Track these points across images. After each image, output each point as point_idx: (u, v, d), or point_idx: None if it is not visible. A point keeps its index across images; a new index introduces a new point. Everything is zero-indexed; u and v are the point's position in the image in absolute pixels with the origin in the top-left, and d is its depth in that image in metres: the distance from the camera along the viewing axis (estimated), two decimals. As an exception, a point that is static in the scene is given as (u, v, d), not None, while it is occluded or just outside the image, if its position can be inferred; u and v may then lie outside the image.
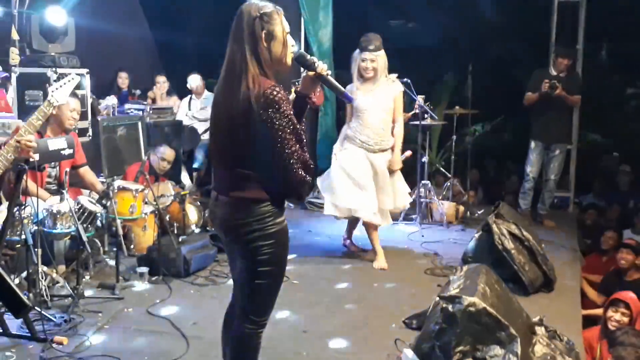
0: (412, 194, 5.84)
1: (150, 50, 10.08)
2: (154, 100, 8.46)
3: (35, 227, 4.18)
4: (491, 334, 3.34)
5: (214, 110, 2.76)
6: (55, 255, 4.64)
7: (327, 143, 7.82)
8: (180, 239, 5.29)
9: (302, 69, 2.81)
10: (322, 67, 2.74)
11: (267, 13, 2.63)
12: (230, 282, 3.00)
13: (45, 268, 4.30)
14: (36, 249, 4.08)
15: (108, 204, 4.82)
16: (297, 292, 4.75)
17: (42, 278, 4.17)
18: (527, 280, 4.76)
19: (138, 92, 8.48)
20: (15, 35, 5.94)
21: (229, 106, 2.61)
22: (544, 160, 7.03)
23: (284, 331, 4.02)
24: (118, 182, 5.15)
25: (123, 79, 8.35)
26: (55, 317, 4.01)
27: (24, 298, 3.57)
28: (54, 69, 5.69)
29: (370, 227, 5.42)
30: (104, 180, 5.48)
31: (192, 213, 6.02)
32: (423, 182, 6.99)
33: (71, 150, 4.44)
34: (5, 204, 4.14)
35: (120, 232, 4.92)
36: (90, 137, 6.11)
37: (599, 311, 5.21)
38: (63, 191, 4.43)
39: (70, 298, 4.29)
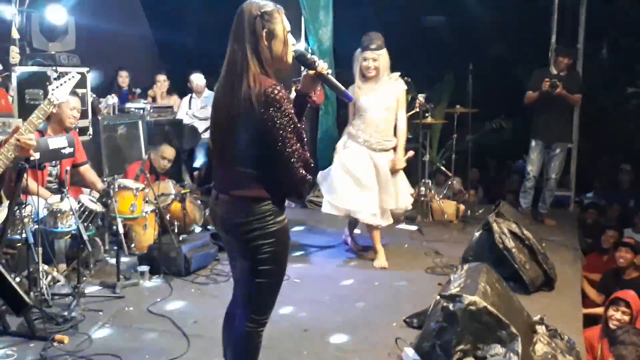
0: (413, 194, 5.83)
1: (150, 49, 10.08)
2: (154, 99, 8.46)
3: (36, 226, 4.18)
4: (492, 333, 3.34)
5: (214, 109, 2.76)
6: (56, 254, 4.64)
7: (327, 142, 7.82)
8: (180, 238, 5.29)
9: (302, 68, 2.81)
10: (323, 66, 2.74)
11: (267, 12, 2.63)
12: (231, 280, 3.00)
13: (46, 267, 4.30)
14: (37, 248, 4.08)
15: (109, 202, 4.82)
16: (298, 290, 4.75)
17: (43, 277, 4.17)
18: (527, 279, 4.76)
19: (138, 90, 8.48)
20: (15, 34, 5.94)
21: (230, 105, 2.61)
22: (545, 159, 7.03)
23: (284, 330, 4.02)
24: (119, 181, 5.15)
25: (123, 78, 8.35)
26: (56, 316, 4.01)
27: (25, 296, 3.58)
28: (54, 68, 5.69)
29: (371, 226, 5.42)
30: (105, 179, 5.48)
31: (193, 212, 6.02)
32: (424, 180, 6.99)
33: (71, 149, 4.45)
34: (6, 202, 4.13)
35: (121, 230, 4.91)
36: (91, 136, 6.11)
37: (599, 310, 5.21)
38: (64, 190, 4.43)
39: (71, 297, 4.30)
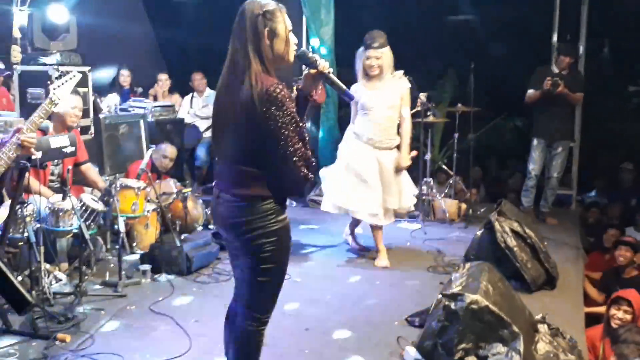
0: (417, 194, 5.82)
1: (152, 48, 10.07)
2: (155, 98, 8.46)
3: (38, 225, 4.19)
4: (494, 332, 3.34)
5: (215, 107, 2.76)
6: (57, 253, 4.65)
7: (328, 141, 7.83)
8: (182, 237, 5.30)
9: (304, 67, 2.80)
10: (324, 65, 2.74)
11: (269, 10, 2.63)
12: (232, 279, 3.01)
13: (48, 266, 4.31)
14: (39, 247, 4.08)
15: (110, 201, 4.82)
16: (299, 289, 4.75)
17: (45, 276, 4.18)
18: (529, 278, 4.75)
19: (140, 89, 8.48)
20: (17, 33, 5.95)
21: (231, 103, 2.61)
22: (547, 157, 7.02)
23: (286, 329, 4.02)
24: (120, 180, 5.15)
25: (125, 77, 8.35)
26: (58, 315, 4.02)
27: (27, 295, 3.58)
28: (55, 67, 5.69)
29: (373, 226, 5.41)
30: (106, 178, 5.49)
31: (195, 211, 6.03)
32: (425, 179, 6.98)
33: (73, 148, 4.45)
34: (8, 202, 4.14)
35: (123, 229, 4.92)
36: (92, 135, 6.11)
37: (601, 309, 5.21)
38: (65, 189, 4.43)
39: (72, 296, 4.30)
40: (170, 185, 5.90)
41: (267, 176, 2.63)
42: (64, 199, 4.42)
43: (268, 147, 2.59)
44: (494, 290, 3.52)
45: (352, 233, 5.83)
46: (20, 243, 4.27)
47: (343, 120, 7.48)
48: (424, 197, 6.86)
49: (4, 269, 3.57)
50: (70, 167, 4.83)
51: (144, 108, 7.17)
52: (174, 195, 5.78)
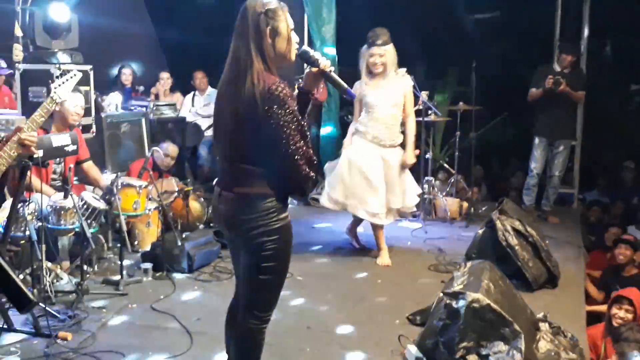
0: (420, 194, 5.82)
1: (153, 47, 10.07)
2: (157, 97, 8.46)
3: (40, 223, 4.19)
4: (495, 330, 3.34)
5: (217, 106, 2.76)
6: (59, 251, 4.65)
7: (330, 139, 7.83)
8: (184, 235, 5.30)
9: (305, 65, 2.80)
10: (325, 64, 2.74)
11: (271, 9, 2.63)
12: (234, 278, 3.01)
13: (49, 264, 4.32)
14: (40, 245, 4.09)
15: (112, 200, 4.83)
16: (301, 288, 4.76)
17: (46, 274, 4.18)
18: (531, 277, 4.75)
19: (141, 88, 8.48)
20: (18, 32, 5.94)
21: (233, 102, 2.61)
22: (548, 156, 7.01)
23: (287, 327, 4.02)
24: (122, 179, 5.16)
25: (126, 76, 8.36)
26: (59, 313, 4.02)
27: (29, 293, 3.58)
28: (57, 66, 5.69)
29: (375, 224, 5.41)
30: (108, 176, 5.49)
31: (196, 209, 6.03)
32: (427, 178, 6.98)
33: (75, 147, 4.45)
34: (10, 200, 4.14)
35: (124, 228, 4.92)
36: (94, 134, 6.11)
37: (602, 307, 5.20)
38: (67, 187, 4.44)
39: (74, 294, 4.31)
40: (172, 183, 5.90)
41: (269, 174, 2.63)
42: (65, 197, 4.42)
43: (270, 146, 2.59)
44: (495, 289, 3.51)
45: (354, 232, 5.83)
46: (22, 241, 4.29)
47: (344, 119, 7.49)
48: (425, 196, 6.86)
49: (6, 267, 3.57)
50: (72, 165, 4.83)
51: (146, 107, 7.17)
52: (176, 194, 5.78)
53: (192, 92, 8.50)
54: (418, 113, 6.68)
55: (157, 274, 4.93)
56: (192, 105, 8.39)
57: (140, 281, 4.81)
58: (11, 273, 3.55)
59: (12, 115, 5.59)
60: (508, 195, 7.59)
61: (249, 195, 2.64)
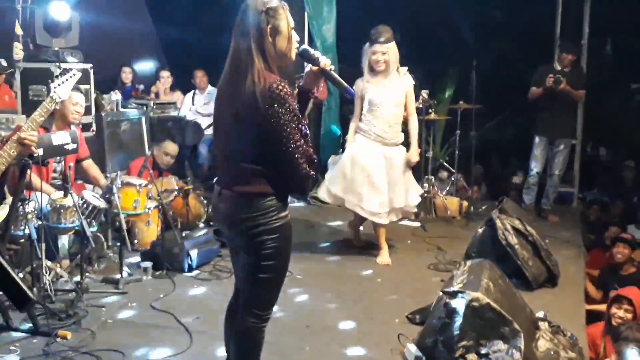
0: (422, 194, 5.82)
1: (153, 46, 10.07)
2: (157, 95, 8.46)
3: (39, 222, 4.19)
4: (494, 329, 3.34)
5: (217, 104, 2.76)
6: (59, 250, 4.65)
7: (330, 138, 7.83)
8: (183, 234, 5.30)
9: (305, 64, 2.80)
10: (326, 62, 2.74)
11: (272, 8, 2.63)
12: (233, 276, 3.01)
13: (49, 263, 4.31)
14: (40, 244, 4.09)
15: (112, 198, 4.83)
16: (300, 286, 4.76)
17: (46, 273, 4.18)
18: (530, 276, 4.75)
19: (142, 87, 8.48)
20: (19, 30, 5.94)
21: (234, 100, 2.61)
22: (548, 155, 7.01)
23: (287, 326, 4.03)
24: (122, 177, 5.16)
25: (127, 74, 8.36)
26: (58, 312, 4.02)
27: (28, 292, 3.59)
28: (57, 64, 5.69)
29: (376, 223, 5.40)
30: (108, 175, 5.49)
31: (196, 208, 6.03)
32: (427, 177, 6.98)
33: (75, 145, 4.44)
34: (10, 199, 4.15)
35: (124, 227, 4.92)
36: (94, 132, 6.11)
37: (601, 307, 5.20)
38: (67, 186, 4.44)
39: (74, 292, 4.31)
40: (172, 182, 5.91)
41: (269, 173, 2.63)
42: (65, 195, 4.42)
43: (270, 144, 2.59)
44: (495, 288, 3.52)
45: (357, 230, 5.82)
46: (22, 240, 4.29)
47: (345, 118, 7.48)
48: (425, 195, 6.86)
49: (6, 265, 3.58)
50: (72, 164, 4.83)
51: (146, 105, 7.17)
52: (176, 193, 5.78)
53: (192, 91, 8.50)
54: (418, 112, 6.68)
55: (157, 273, 4.93)
56: (192, 104, 8.39)
57: (140, 280, 4.81)
58: (11, 272, 3.57)
59: (12, 113, 5.60)
60: (508, 194, 7.59)
61: (249, 194, 2.64)
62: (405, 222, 6.65)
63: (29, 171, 3.83)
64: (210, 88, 8.36)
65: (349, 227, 5.88)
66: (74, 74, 4.21)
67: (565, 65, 6.81)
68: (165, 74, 8.59)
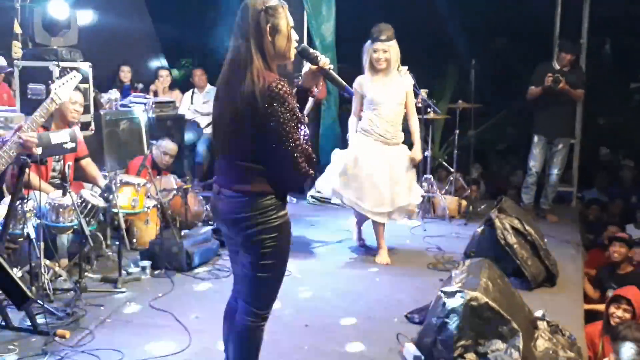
0: (424, 194, 5.82)
1: (152, 44, 10.05)
2: (156, 94, 8.45)
3: (38, 221, 4.19)
4: (493, 329, 3.34)
5: (216, 103, 2.76)
6: (57, 249, 4.65)
7: (329, 137, 7.83)
8: (182, 233, 5.30)
9: (304, 63, 2.80)
10: (325, 61, 2.74)
11: (272, 7, 2.63)
12: (232, 275, 3.01)
13: (47, 261, 4.31)
14: (39, 243, 4.09)
15: (110, 197, 4.82)
16: (299, 286, 4.76)
17: (45, 271, 4.18)
18: (529, 275, 4.75)
19: (140, 85, 8.46)
20: (17, 29, 5.94)
21: (233, 99, 2.61)
22: (547, 154, 7.02)
23: (286, 325, 4.02)
24: (120, 176, 5.15)
25: (125, 73, 8.34)
26: (57, 311, 4.02)
27: (27, 291, 3.59)
28: (56, 63, 5.68)
29: (376, 222, 5.39)
30: (107, 174, 5.49)
31: (195, 207, 6.02)
32: (426, 176, 6.98)
33: (73, 144, 4.45)
34: (8, 197, 4.14)
35: (123, 226, 4.92)
36: (93, 131, 6.10)
37: (599, 306, 5.21)
38: (65, 184, 4.44)
39: (72, 292, 4.31)
40: (171, 181, 5.90)
41: (268, 172, 2.63)
42: (64, 194, 4.42)
43: (269, 143, 2.59)
44: (493, 287, 3.51)
45: (359, 229, 5.81)
46: (20, 239, 4.28)
47: (344, 117, 7.48)
48: (424, 194, 6.86)
49: (4, 264, 3.58)
50: (70, 162, 4.83)
51: (145, 104, 7.16)
52: (174, 192, 5.78)
53: (191, 90, 8.49)
54: (417, 111, 6.68)
55: (156, 272, 4.92)
56: (191, 103, 8.38)
57: (139, 279, 4.81)
58: (10, 270, 3.56)
59: (10, 112, 5.59)
60: (507, 193, 7.60)
61: (248, 193, 2.64)
62: (404, 221, 6.65)
63: (27, 170, 3.83)
64: (209, 87, 8.35)
65: (352, 224, 5.86)
66: (75, 76, 4.22)
67: (564, 64, 6.81)
68: (164, 73, 8.58)
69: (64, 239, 4.78)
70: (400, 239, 6.07)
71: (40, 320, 3.82)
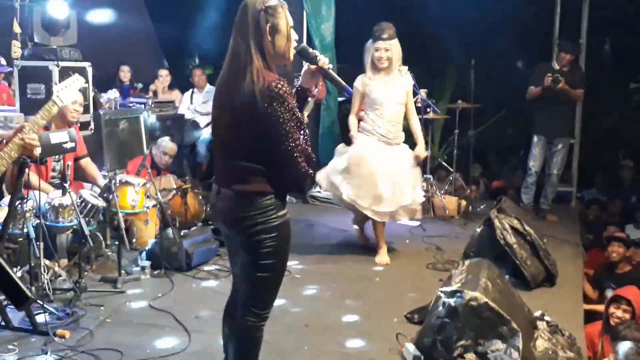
0: (425, 195, 5.83)
1: (152, 44, 10.06)
2: (155, 94, 8.45)
3: (38, 221, 4.19)
4: (493, 329, 3.34)
5: (216, 103, 2.76)
6: (57, 249, 4.65)
7: (329, 137, 7.82)
8: (182, 233, 5.29)
9: (303, 62, 2.80)
10: (324, 61, 2.74)
11: (271, 6, 2.62)
12: (232, 275, 3.01)
13: (47, 261, 4.31)
14: (38, 243, 4.08)
15: (110, 197, 4.82)
16: (299, 286, 4.76)
17: (45, 271, 4.18)
18: (528, 275, 4.76)
19: (140, 85, 8.47)
20: (17, 28, 5.93)
21: (232, 99, 2.61)
22: (547, 154, 7.02)
23: (285, 325, 4.02)
24: (120, 176, 5.15)
25: (125, 73, 8.34)
26: (57, 311, 4.02)
27: (27, 291, 3.59)
28: (55, 63, 5.68)
29: (375, 222, 5.39)
30: (106, 174, 5.48)
31: (195, 207, 6.03)
32: (425, 176, 6.98)
33: (73, 144, 4.44)
34: (8, 197, 4.14)
35: (122, 225, 4.91)
36: (92, 131, 6.10)
37: (599, 307, 5.21)
38: (65, 184, 4.43)
39: (72, 291, 4.30)
40: (170, 181, 5.90)
41: (268, 172, 2.63)
42: (63, 194, 4.42)
43: (269, 143, 2.58)
44: (493, 287, 3.52)
45: (361, 227, 5.80)
46: (20, 239, 4.28)
47: (343, 117, 7.48)
48: (424, 194, 6.85)
49: (4, 264, 3.57)
50: (70, 162, 4.83)
51: (144, 104, 7.16)
52: (174, 191, 5.78)
53: (191, 90, 8.49)
54: (417, 111, 6.69)
55: (155, 272, 4.92)
56: (191, 103, 8.38)
57: (139, 279, 4.81)
58: (9, 270, 3.56)
59: (10, 112, 5.60)
60: (506, 193, 7.60)
61: (247, 193, 2.64)
62: (403, 221, 6.65)
63: (27, 170, 3.83)
64: (208, 87, 8.35)
65: (354, 224, 5.86)
66: (77, 79, 4.22)
67: (563, 64, 6.81)
68: (164, 73, 8.58)
69: (64, 238, 4.78)
70: (400, 239, 6.07)
71: (39, 320, 3.82)
